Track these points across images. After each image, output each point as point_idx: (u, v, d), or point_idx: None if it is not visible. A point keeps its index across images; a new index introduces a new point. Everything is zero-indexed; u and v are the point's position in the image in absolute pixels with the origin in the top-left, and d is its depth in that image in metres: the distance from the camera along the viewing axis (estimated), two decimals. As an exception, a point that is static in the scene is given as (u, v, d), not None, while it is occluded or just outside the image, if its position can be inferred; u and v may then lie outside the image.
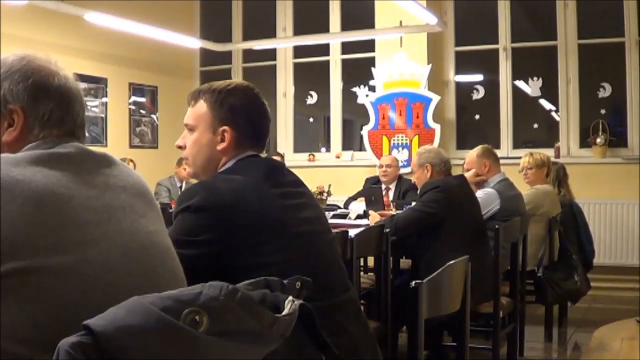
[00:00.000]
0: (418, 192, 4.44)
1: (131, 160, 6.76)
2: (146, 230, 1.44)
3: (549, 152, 6.50)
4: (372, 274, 4.80)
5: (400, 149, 7.72)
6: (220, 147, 2.11)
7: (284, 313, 1.14)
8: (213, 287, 1.06)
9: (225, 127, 2.10)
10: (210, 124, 2.12)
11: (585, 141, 7.40)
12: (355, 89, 8.57)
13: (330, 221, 2.79)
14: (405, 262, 4.97)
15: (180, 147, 2.21)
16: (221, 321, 1.03)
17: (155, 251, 1.44)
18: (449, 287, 2.25)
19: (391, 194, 6.64)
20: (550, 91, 7.75)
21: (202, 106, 2.13)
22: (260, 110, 2.17)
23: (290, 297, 1.18)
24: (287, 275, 1.28)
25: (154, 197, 1.60)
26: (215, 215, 1.92)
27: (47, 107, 1.50)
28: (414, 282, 1.95)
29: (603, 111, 7.45)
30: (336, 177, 7.46)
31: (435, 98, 7.62)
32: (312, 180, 5.01)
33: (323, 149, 8.91)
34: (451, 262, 2.24)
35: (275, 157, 6.55)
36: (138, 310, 1.00)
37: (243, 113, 2.12)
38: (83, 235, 1.31)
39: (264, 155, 2.22)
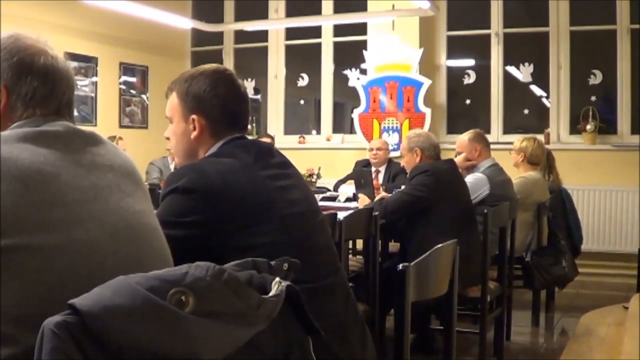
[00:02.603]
0: (407, 175, 4.44)
1: (120, 138, 6.72)
2: (133, 210, 1.44)
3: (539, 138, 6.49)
4: (360, 256, 4.80)
5: (390, 132, 7.72)
6: (193, 135, 2.11)
7: (270, 294, 1.13)
8: (199, 267, 1.05)
9: (194, 116, 2.09)
10: (182, 114, 2.12)
11: (575, 128, 7.40)
12: (346, 72, 8.55)
13: (320, 204, 2.78)
14: (394, 246, 4.98)
15: (168, 139, 2.21)
16: (207, 302, 1.03)
17: (142, 231, 1.44)
18: (437, 271, 2.25)
19: (381, 177, 6.64)
20: (541, 77, 7.75)
21: (174, 97, 2.14)
22: (228, 91, 2.12)
23: (277, 279, 1.17)
24: (275, 257, 1.27)
25: (142, 177, 1.59)
26: (203, 197, 1.92)
27: (30, 86, 1.48)
28: (401, 265, 1.95)
29: (593, 98, 7.46)
30: (326, 160, 7.46)
31: (427, 82, 7.61)
32: (302, 163, 5.01)
33: (313, 132, 8.89)
34: (439, 245, 2.23)
35: (265, 139, 6.53)
36: (124, 289, 1.00)
37: (208, 99, 2.09)
38: (69, 214, 1.31)
39: (254, 137, 2.21)
